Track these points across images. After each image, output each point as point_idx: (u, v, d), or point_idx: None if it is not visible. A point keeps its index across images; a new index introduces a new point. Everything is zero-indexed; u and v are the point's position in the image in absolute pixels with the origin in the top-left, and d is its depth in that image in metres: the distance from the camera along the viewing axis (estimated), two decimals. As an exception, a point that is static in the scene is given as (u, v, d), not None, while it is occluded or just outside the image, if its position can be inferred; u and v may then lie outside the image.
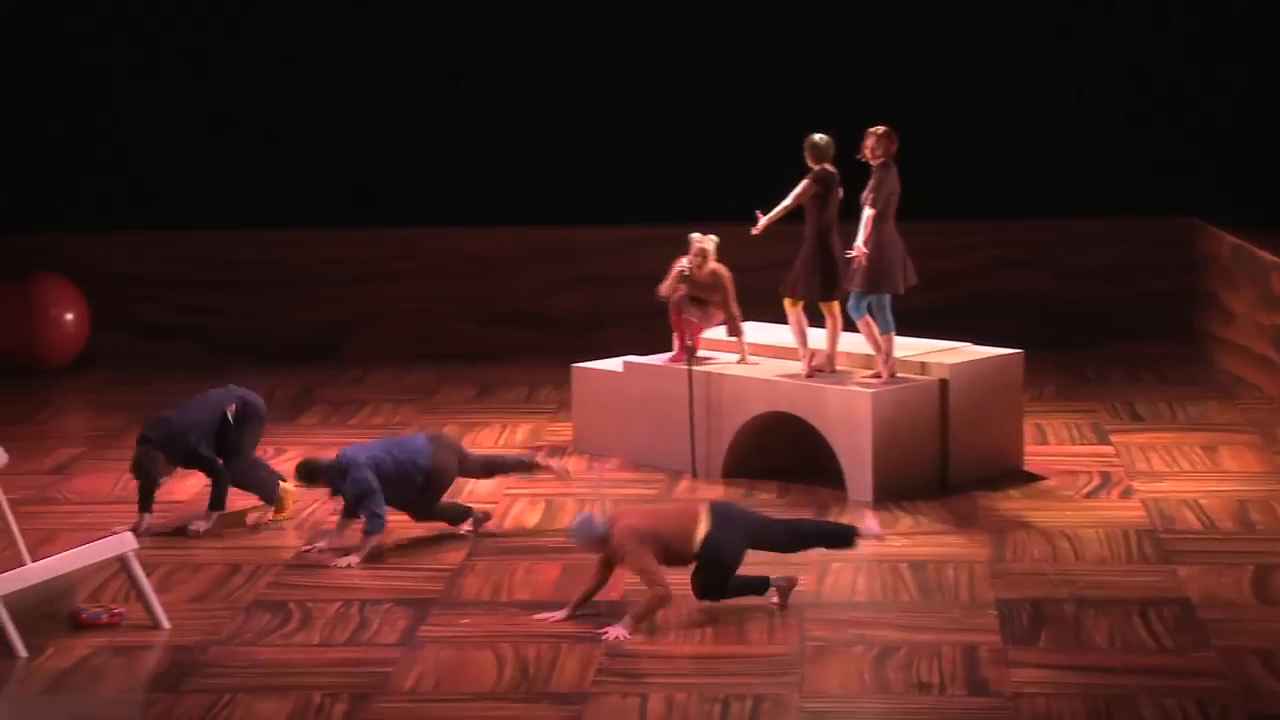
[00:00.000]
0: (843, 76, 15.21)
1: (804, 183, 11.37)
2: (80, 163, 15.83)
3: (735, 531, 9.37)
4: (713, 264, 11.91)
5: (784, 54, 15.47)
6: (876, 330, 11.42)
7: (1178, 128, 15.48)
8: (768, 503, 11.31)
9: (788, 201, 11.39)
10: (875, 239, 11.26)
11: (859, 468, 11.26)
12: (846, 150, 11.29)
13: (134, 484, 11.10)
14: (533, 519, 11.11)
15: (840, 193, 11.43)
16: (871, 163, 11.30)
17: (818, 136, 11.41)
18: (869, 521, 9.88)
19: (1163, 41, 15.48)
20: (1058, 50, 15.53)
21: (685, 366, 11.84)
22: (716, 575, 9.36)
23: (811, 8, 15.52)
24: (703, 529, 9.34)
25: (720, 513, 9.46)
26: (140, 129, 15.79)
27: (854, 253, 11.19)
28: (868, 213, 11.22)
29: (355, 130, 15.67)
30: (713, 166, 15.28)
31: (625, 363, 12.33)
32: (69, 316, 15.24)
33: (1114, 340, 15.23)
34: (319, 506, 11.20)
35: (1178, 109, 15.52)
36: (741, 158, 14.90)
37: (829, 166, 11.37)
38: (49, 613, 9.42)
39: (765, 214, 11.39)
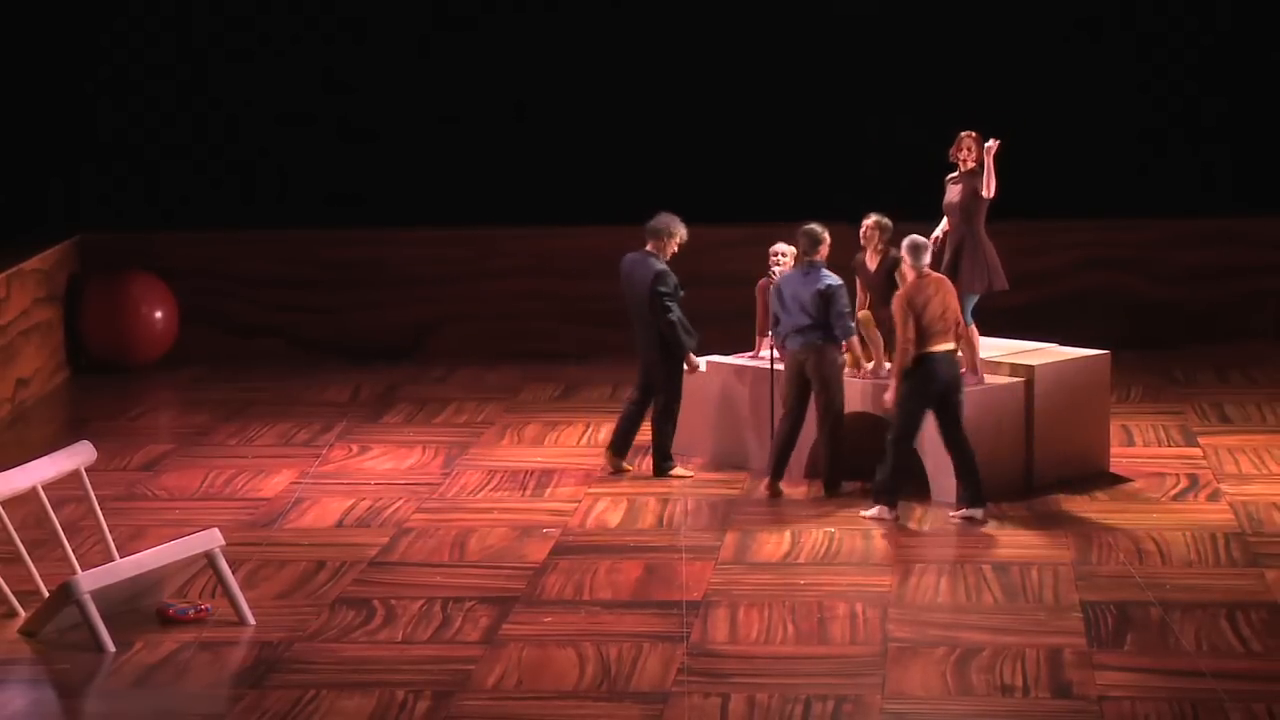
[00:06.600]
0: (926, 77, 15.17)
1: (878, 272, 11.35)
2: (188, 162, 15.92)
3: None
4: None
5: (868, 54, 15.41)
6: (975, 335, 11.37)
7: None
8: (850, 502, 11.27)
9: (862, 296, 11.44)
10: (971, 241, 11.26)
11: (942, 469, 11.20)
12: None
13: (220, 481, 11.45)
14: (615, 518, 11.13)
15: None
16: (961, 166, 11.30)
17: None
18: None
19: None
20: (1146, 50, 15.41)
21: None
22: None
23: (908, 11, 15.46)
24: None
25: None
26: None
27: (990, 144, 11.08)
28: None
29: (445, 131, 15.71)
30: (798, 166, 15.22)
31: (708, 362, 12.31)
32: (159, 314, 15.36)
33: (1202, 342, 15.08)
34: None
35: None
36: (830, 156, 14.88)
37: (892, 249, 11.28)
38: (137, 608, 9.51)
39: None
